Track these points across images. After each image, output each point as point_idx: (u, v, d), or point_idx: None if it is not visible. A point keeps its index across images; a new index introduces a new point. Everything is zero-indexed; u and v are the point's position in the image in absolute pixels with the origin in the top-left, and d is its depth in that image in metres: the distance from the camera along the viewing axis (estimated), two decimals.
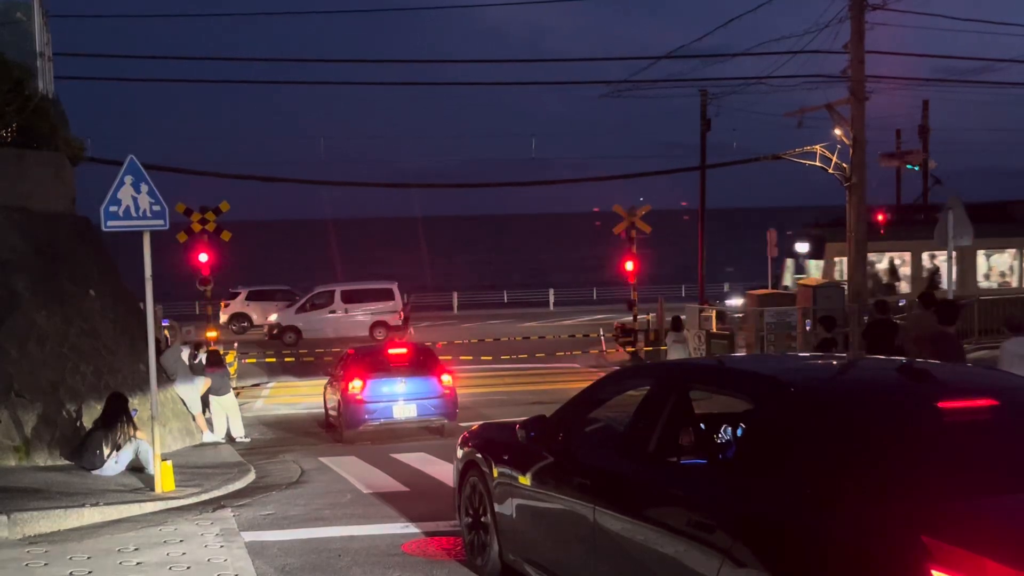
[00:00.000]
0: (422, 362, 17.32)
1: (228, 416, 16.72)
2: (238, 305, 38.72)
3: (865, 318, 18.57)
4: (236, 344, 30.13)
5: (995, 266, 28.68)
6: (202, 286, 23.83)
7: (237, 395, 18.39)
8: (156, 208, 10.87)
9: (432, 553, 8.29)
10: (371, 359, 17.28)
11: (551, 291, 50.96)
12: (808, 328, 20.27)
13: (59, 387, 12.76)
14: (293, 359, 28.44)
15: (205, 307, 24.88)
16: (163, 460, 11.26)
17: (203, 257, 23.32)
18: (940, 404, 4.76)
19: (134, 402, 13.18)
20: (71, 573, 7.68)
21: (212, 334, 23.72)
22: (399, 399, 16.63)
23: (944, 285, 20.31)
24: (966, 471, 4.34)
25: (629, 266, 27.83)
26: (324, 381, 19.35)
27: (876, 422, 4.63)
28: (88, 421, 12.56)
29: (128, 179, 10.77)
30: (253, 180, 29.26)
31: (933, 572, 3.67)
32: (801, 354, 14.12)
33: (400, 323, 34.15)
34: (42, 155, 14.44)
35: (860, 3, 20.61)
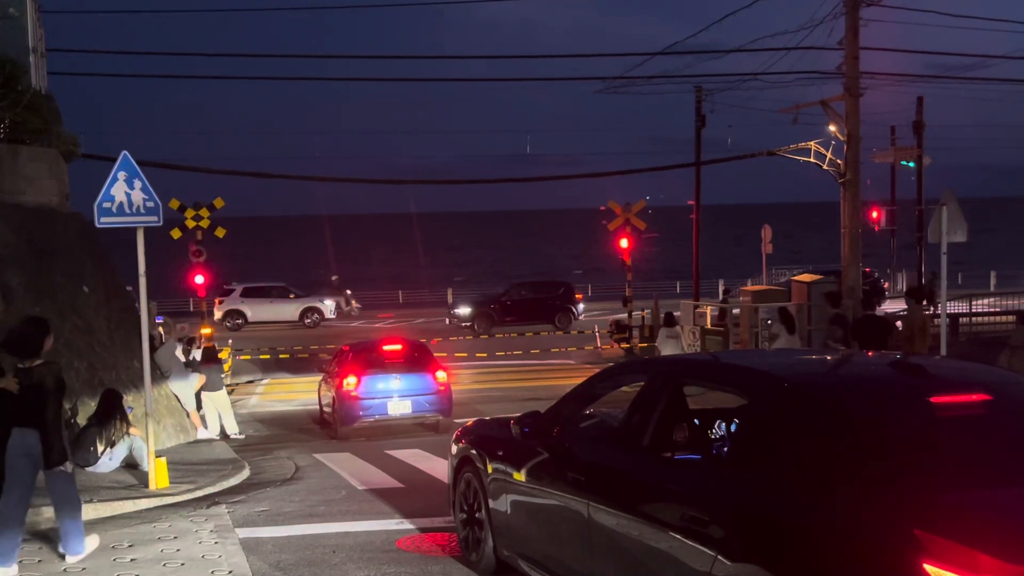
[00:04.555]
0: (417, 358, 17.30)
1: (220, 413, 16.69)
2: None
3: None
4: (230, 340, 30.10)
5: None
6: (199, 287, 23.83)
7: (231, 392, 18.34)
8: (150, 204, 10.83)
9: (427, 549, 8.29)
10: (366, 355, 17.25)
11: None
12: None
13: None
14: (288, 355, 28.40)
15: (199, 303, 24.86)
16: (157, 457, 11.26)
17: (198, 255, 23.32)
18: (933, 399, 4.77)
19: (128, 399, 13.15)
20: (65, 570, 7.68)
21: (207, 331, 23.70)
22: (394, 395, 16.60)
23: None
24: (959, 465, 4.34)
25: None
26: (319, 377, 19.33)
27: (870, 416, 4.63)
28: (82, 418, 12.53)
29: (122, 175, 10.72)
30: (247, 176, 29.18)
31: (926, 566, 3.68)
32: (796, 349, 14.12)
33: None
34: (35, 151, 14.40)
35: None
